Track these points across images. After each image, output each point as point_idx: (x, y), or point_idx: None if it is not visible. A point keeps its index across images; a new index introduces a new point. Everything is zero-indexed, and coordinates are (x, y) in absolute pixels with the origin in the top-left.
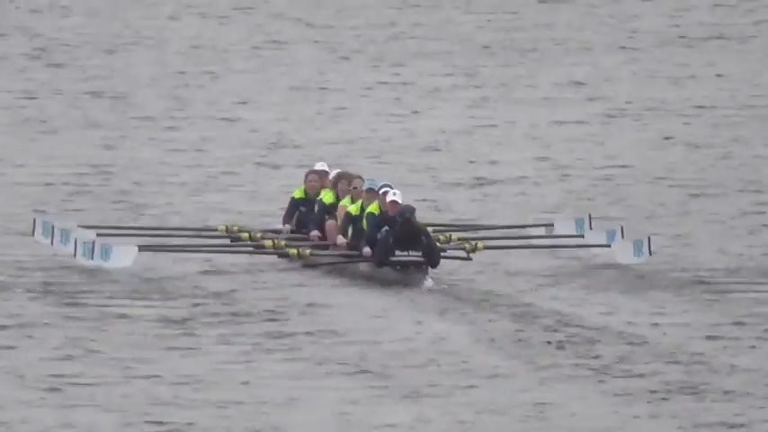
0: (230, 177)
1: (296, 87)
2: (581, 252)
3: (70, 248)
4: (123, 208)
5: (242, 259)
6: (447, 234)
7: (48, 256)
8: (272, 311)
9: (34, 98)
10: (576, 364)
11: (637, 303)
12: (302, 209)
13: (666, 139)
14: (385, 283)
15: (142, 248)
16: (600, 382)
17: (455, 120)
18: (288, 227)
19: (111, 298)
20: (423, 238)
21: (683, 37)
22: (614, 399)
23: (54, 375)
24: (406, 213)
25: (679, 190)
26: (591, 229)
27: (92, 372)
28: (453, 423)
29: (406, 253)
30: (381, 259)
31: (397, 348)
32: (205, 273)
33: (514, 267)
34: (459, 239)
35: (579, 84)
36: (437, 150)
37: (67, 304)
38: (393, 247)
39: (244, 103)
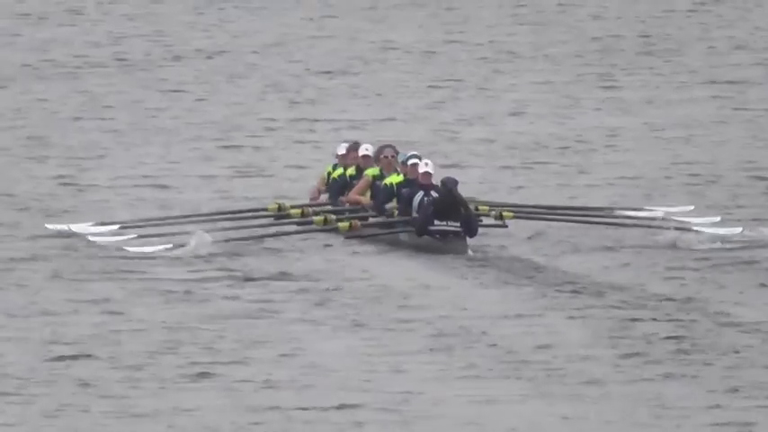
0: None
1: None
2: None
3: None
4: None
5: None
6: (474, 204)
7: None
8: (317, 279)
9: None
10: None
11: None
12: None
13: None
14: (425, 251)
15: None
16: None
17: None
18: (323, 197)
19: (165, 281)
20: (462, 209)
21: None
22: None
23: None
24: (449, 184)
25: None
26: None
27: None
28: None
29: (444, 223)
30: (421, 228)
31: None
32: (253, 248)
33: (555, 235)
34: (488, 208)
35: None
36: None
37: (116, 286)
38: (433, 216)
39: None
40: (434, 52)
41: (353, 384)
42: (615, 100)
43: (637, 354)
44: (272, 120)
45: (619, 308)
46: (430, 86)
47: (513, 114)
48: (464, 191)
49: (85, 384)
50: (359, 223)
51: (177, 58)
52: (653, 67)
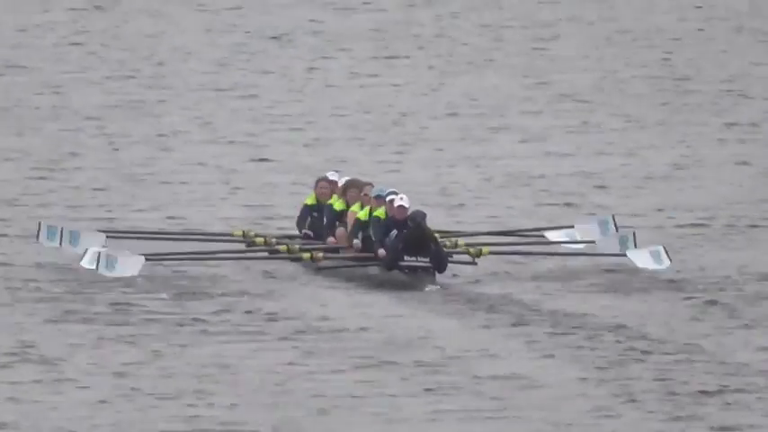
0: None
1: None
2: (596, 257)
3: (79, 250)
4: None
5: (257, 264)
6: (453, 239)
7: (58, 263)
8: (287, 313)
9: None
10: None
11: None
12: (314, 215)
13: None
14: (394, 286)
15: (149, 258)
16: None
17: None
18: (305, 232)
19: (122, 303)
20: (431, 244)
21: None
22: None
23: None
24: (417, 218)
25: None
26: (617, 230)
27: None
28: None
29: (414, 258)
30: (391, 263)
31: (411, 343)
32: (220, 276)
33: (524, 271)
34: (465, 245)
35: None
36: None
37: (74, 311)
38: (402, 251)
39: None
40: (442, 84)
41: (343, 424)
42: (619, 138)
43: (624, 393)
44: (267, 159)
45: (605, 345)
46: (433, 118)
47: (513, 150)
48: (455, 225)
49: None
50: (320, 255)
51: (177, 88)
52: (664, 102)
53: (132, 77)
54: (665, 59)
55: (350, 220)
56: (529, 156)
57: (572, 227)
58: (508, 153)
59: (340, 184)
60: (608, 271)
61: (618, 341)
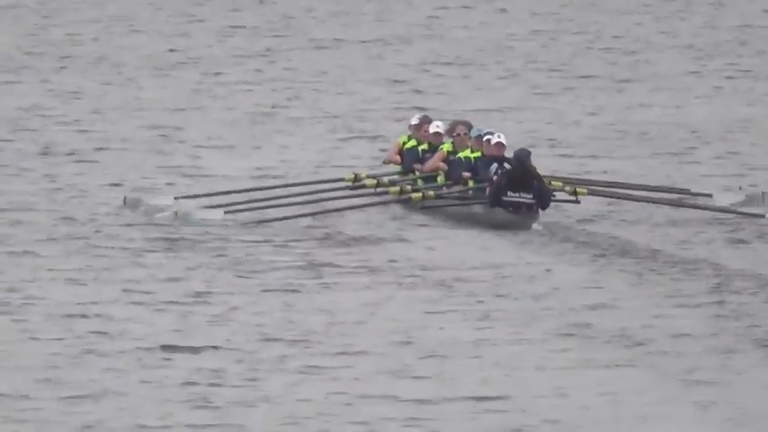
0: None
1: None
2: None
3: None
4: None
5: (364, 203)
6: (548, 180)
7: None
8: (395, 256)
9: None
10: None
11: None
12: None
13: None
14: (499, 224)
15: (229, 211)
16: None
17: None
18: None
19: (232, 252)
20: (534, 181)
21: None
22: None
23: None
24: (521, 156)
25: None
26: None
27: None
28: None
29: (517, 195)
30: (494, 200)
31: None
32: (329, 222)
33: (628, 214)
34: (562, 184)
35: None
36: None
37: (186, 259)
38: (505, 187)
39: None
40: (547, 45)
41: (467, 371)
42: (735, 91)
43: (753, 340)
44: (397, 108)
45: (726, 292)
46: (547, 77)
47: (629, 104)
48: (546, 170)
49: (185, 374)
50: (432, 193)
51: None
52: None
53: (242, 27)
54: None
55: (437, 159)
56: (640, 104)
57: (710, 194)
58: (622, 101)
59: (431, 127)
60: (717, 219)
61: (743, 290)
